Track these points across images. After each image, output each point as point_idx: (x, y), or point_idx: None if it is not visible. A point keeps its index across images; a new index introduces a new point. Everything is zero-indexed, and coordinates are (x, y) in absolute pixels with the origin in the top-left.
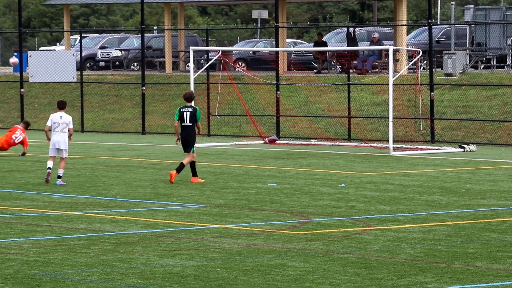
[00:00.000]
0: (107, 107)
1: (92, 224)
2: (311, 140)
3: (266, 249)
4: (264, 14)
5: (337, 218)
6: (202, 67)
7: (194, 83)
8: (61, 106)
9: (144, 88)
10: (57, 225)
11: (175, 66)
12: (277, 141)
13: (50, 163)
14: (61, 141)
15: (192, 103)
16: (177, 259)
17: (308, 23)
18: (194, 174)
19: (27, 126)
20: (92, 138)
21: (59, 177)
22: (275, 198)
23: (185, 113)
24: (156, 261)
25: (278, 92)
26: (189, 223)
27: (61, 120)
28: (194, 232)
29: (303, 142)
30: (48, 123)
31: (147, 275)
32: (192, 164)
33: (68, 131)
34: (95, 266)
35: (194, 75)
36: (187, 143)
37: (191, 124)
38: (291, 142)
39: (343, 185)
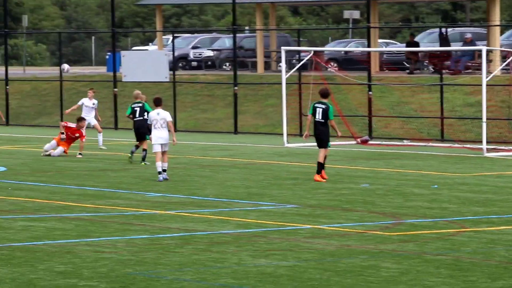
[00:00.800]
0: (199, 106)
1: (185, 223)
2: (404, 140)
3: (359, 250)
4: (356, 14)
5: (430, 220)
6: (294, 67)
7: (286, 83)
8: (158, 103)
9: (236, 88)
10: (150, 224)
11: (267, 66)
12: (370, 142)
13: (159, 165)
14: (162, 136)
15: (327, 100)
16: (270, 259)
17: (400, 23)
18: (319, 171)
19: (80, 122)
20: (185, 138)
21: (164, 170)
22: (368, 199)
23: (317, 109)
24: (249, 261)
25: (371, 93)
26: (282, 223)
27: (158, 117)
28: (286, 232)
29: (395, 143)
30: (148, 122)
31: (240, 275)
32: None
33: (168, 125)
34: (188, 266)
35: (286, 75)
36: (319, 140)
37: (323, 120)
38: (383, 142)
39: (436, 186)
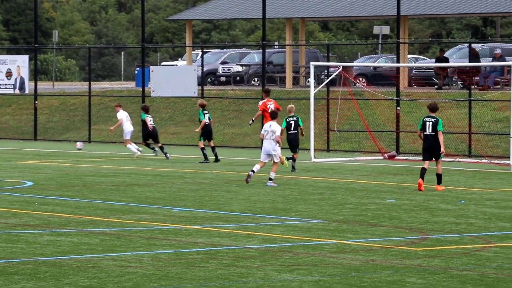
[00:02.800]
0: (227, 121)
1: (210, 238)
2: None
3: (384, 265)
4: (386, 29)
5: (457, 235)
6: (322, 83)
7: (314, 99)
8: (274, 116)
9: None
10: (176, 239)
11: (296, 81)
12: (397, 157)
13: (256, 167)
14: (269, 147)
15: (435, 114)
16: (295, 274)
17: (430, 39)
18: (439, 182)
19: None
20: (212, 153)
21: (270, 179)
22: (394, 214)
23: (427, 123)
24: (274, 275)
25: (399, 108)
26: (307, 238)
27: (270, 129)
28: (312, 247)
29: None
30: (262, 132)
31: None
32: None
33: (275, 138)
34: (213, 280)
35: (314, 90)
36: (434, 152)
37: (433, 133)
38: (410, 158)
39: (463, 201)
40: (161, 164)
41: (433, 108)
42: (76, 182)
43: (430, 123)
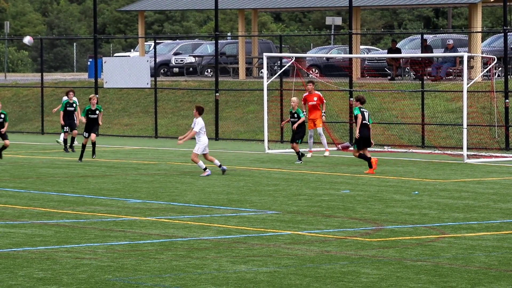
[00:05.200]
0: (180, 113)
1: (165, 229)
2: (385, 147)
3: (339, 256)
4: (338, 20)
5: (411, 226)
6: (275, 74)
7: (267, 90)
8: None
9: (217, 94)
10: (130, 231)
11: (249, 72)
12: (350, 148)
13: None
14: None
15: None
16: (250, 265)
17: (382, 29)
18: (370, 165)
19: None
20: (166, 144)
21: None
22: (348, 205)
23: (365, 113)
24: (229, 267)
25: (352, 99)
26: (262, 229)
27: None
28: (267, 238)
29: (376, 149)
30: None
31: (220, 281)
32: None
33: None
34: (168, 272)
35: (267, 81)
36: (367, 140)
37: (368, 123)
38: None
39: (416, 192)
40: (115, 155)
41: (363, 100)
42: (30, 173)
43: (367, 113)
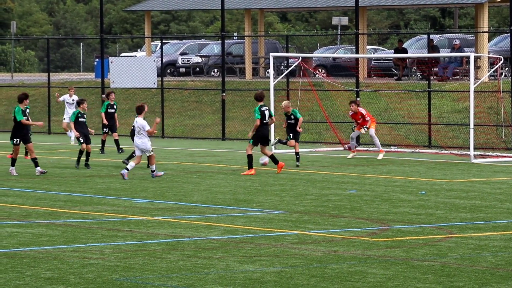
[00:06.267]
0: (187, 113)
1: (172, 229)
2: (391, 147)
3: (346, 256)
4: (345, 20)
5: (418, 225)
6: (282, 74)
7: (274, 90)
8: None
9: (224, 94)
10: (137, 230)
11: (255, 72)
12: (357, 148)
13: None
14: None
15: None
16: (256, 265)
17: (389, 29)
18: (250, 166)
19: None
20: (172, 144)
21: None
22: (355, 205)
23: (266, 112)
24: (236, 267)
25: (358, 99)
26: (269, 229)
27: (136, 124)
28: (273, 238)
29: (383, 149)
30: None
31: (227, 281)
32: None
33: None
34: (175, 271)
35: (274, 81)
36: (266, 139)
37: (267, 122)
38: (371, 149)
39: (423, 192)
40: (122, 155)
41: (261, 97)
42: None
43: (267, 111)
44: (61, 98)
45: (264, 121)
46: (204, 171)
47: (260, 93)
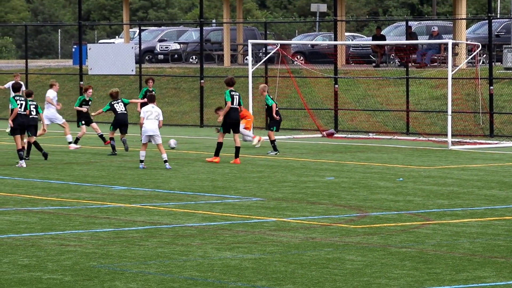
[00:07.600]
0: (165, 99)
1: (150, 216)
2: (369, 134)
3: (323, 243)
4: (323, 7)
5: (395, 212)
6: (260, 60)
7: (252, 76)
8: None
9: (202, 81)
10: (115, 218)
11: (234, 59)
12: (335, 135)
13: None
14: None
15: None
16: (235, 252)
17: (367, 16)
18: (237, 155)
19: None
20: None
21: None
22: (333, 192)
23: (235, 96)
24: (214, 254)
25: (337, 86)
26: (247, 216)
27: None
28: (252, 225)
29: (361, 136)
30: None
31: (205, 268)
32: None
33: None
34: (153, 259)
35: (252, 68)
36: (236, 124)
37: (238, 107)
38: (349, 135)
39: (401, 179)
40: (100, 142)
41: (231, 82)
42: (14, 161)
43: (237, 96)
44: (6, 85)
45: (233, 106)
46: (182, 158)
47: (230, 79)
